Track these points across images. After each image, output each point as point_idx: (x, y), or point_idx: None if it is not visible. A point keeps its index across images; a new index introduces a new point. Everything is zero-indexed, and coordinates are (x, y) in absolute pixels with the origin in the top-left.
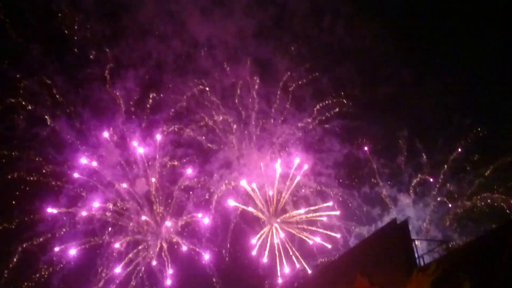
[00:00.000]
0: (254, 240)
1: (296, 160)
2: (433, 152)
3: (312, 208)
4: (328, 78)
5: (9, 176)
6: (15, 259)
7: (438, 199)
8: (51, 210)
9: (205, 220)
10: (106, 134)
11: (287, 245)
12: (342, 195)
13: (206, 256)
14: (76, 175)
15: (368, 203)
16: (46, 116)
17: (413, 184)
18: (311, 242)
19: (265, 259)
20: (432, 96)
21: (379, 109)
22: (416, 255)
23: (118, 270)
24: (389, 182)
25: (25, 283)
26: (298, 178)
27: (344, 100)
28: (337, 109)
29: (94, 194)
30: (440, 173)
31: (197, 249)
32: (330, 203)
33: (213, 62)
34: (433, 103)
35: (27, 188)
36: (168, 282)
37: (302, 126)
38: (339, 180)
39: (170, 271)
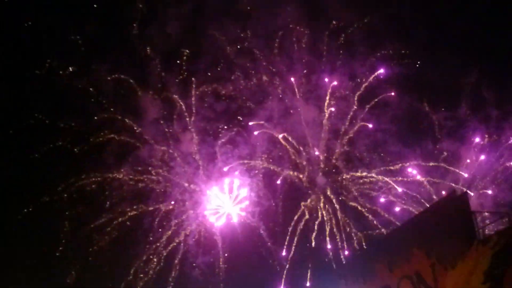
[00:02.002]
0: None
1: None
2: (503, 103)
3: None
4: (383, 18)
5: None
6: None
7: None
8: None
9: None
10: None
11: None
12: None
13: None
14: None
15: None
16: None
17: (478, 140)
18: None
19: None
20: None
21: (443, 52)
22: (477, 228)
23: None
24: (451, 137)
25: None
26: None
27: (402, 44)
28: (395, 57)
29: (138, 155)
30: None
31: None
32: None
33: (255, 6)
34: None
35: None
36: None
37: (353, 76)
38: (397, 136)
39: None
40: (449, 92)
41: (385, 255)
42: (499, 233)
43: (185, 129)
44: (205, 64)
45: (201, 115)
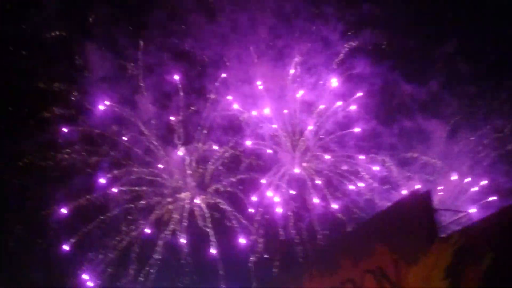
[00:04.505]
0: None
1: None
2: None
3: None
4: None
5: None
6: None
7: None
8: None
9: None
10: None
11: None
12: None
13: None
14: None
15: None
16: None
17: (454, 119)
18: None
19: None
20: None
21: (418, 20)
22: (438, 225)
23: None
24: (422, 113)
25: None
26: None
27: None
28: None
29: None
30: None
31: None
32: None
33: None
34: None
35: None
36: None
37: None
38: (370, 110)
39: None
40: (422, 64)
41: (350, 250)
42: (460, 231)
43: (137, 91)
44: (158, 17)
45: (155, 77)
